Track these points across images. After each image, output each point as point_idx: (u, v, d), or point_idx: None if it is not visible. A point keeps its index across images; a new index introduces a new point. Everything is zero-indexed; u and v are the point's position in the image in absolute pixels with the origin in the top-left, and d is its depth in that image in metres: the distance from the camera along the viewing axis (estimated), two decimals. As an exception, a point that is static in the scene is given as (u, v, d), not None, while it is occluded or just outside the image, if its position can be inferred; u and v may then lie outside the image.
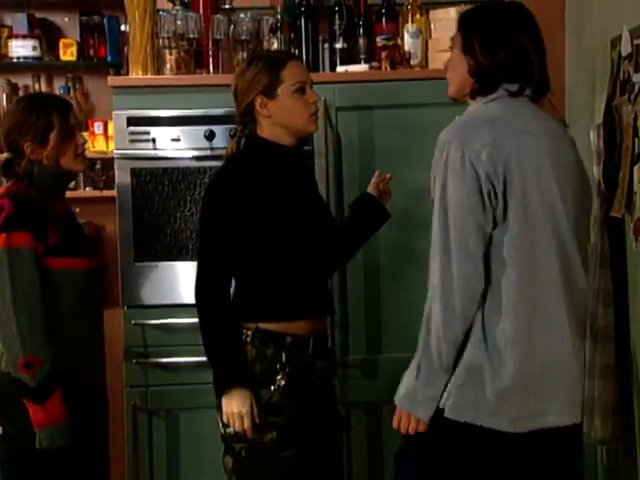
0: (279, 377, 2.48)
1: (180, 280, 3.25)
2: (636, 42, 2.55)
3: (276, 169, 2.54)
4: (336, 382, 2.77)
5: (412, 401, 2.20)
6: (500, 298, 2.18)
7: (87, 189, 3.72)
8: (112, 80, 3.26)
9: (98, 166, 3.70)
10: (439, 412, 2.19)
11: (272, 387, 2.48)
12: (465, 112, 2.30)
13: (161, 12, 3.33)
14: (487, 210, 2.14)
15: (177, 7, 3.47)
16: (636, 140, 2.55)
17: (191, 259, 3.21)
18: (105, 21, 3.69)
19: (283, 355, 2.49)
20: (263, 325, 2.49)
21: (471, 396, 2.17)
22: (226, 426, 2.50)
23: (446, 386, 2.18)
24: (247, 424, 2.45)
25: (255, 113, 2.54)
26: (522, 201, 2.15)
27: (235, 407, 2.44)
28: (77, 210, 3.61)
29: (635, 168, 2.58)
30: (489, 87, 2.26)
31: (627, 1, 2.77)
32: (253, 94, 2.51)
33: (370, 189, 2.74)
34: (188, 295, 3.14)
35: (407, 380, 2.22)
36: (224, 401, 2.46)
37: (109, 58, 3.68)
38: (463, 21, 2.35)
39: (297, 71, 2.55)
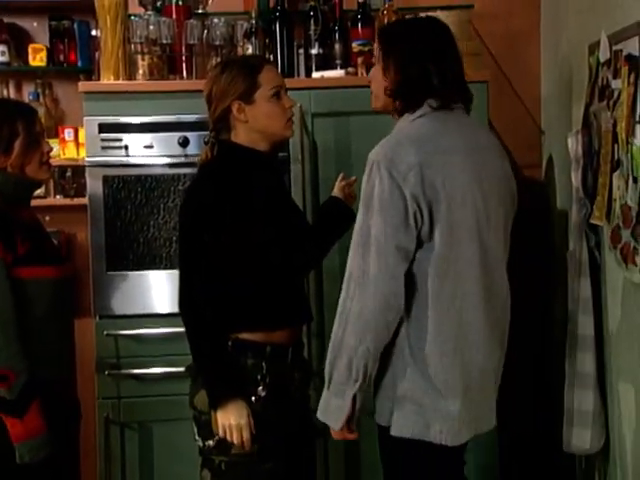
0: (260, 388, 2.45)
1: (153, 289, 3.21)
2: (614, 48, 2.55)
3: (251, 175, 2.51)
4: (311, 392, 2.73)
5: (325, 411, 2.24)
6: (426, 313, 2.20)
7: (57, 197, 3.66)
8: (83, 86, 3.21)
9: (69, 174, 3.64)
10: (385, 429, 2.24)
11: (253, 398, 2.45)
12: (394, 129, 2.33)
13: (133, 17, 3.29)
14: (411, 231, 2.17)
15: (149, 12, 3.43)
16: (616, 146, 2.54)
17: (165, 268, 3.19)
18: (75, 26, 3.62)
19: (263, 365, 2.46)
20: (243, 335, 2.47)
21: (410, 413, 2.21)
22: (206, 438, 2.46)
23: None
24: (246, 436, 2.41)
25: (231, 119, 2.51)
26: (447, 220, 2.19)
27: (233, 419, 2.40)
28: (47, 218, 3.60)
29: (615, 175, 2.57)
30: (411, 104, 2.29)
31: (604, 7, 2.77)
32: (230, 99, 2.48)
33: (336, 192, 2.74)
34: (162, 305, 3.19)
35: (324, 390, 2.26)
36: (220, 414, 2.41)
37: (79, 63, 3.62)
38: (380, 37, 2.39)
39: (273, 75, 2.54)
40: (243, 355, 2.45)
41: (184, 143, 3.15)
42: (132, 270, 3.19)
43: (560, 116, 3.41)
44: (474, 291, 2.22)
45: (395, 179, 2.16)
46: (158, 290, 3.20)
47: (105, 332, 3.20)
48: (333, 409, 2.22)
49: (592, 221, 2.72)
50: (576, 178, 2.89)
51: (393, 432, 2.24)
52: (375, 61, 2.44)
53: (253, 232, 2.46)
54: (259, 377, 2.45)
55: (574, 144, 2.93)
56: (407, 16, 3.20)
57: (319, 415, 2.27)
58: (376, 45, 2.45)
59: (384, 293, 2.15)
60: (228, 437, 2.41)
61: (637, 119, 2.36)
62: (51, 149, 2.66)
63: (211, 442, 2.45)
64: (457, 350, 2.21)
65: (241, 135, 2.52)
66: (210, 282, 2.46)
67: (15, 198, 2.54)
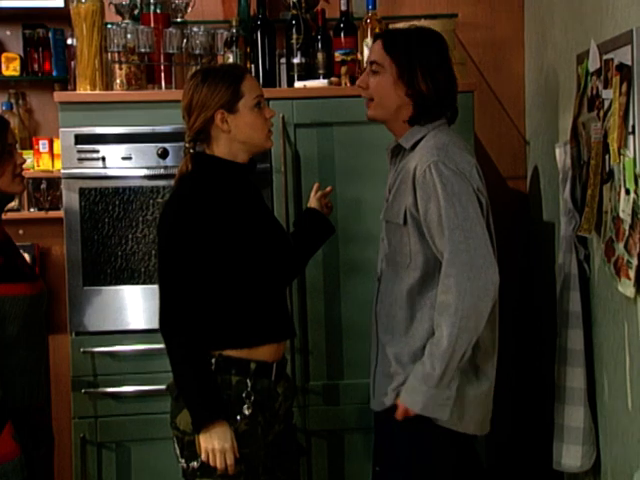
0: (245, 406, 2.41)
1: (132, 305, 3.14)
2: (605, 57, 2.51)
3: (231, 189, 2.48)
4: (294, 408, 2.68)
5: (433, 405, 2.34)
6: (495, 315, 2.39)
7: (31, 210, 3.57)
8: (59, 96, 3.14)
9: (43, 186, 3.56)
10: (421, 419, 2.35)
11: (238, 417, 2.41)
12: (426, 138, 2.41)
13: (110, 25, 3.23)
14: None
15: (126, 20, 3.38)
16: (606, 157, 2.51)
17: (144, 283, 3.13)
18: (50, 34, 3.55)
19: (248, 382, 2.42)
20: (227, 352, 2.43)
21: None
22: (189, 459, 2.40)
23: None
24: (230, 460, 2.36)
25: (212, 129, 2.46)
26: (491, 222, 2.38)
27: (217, 443, 2.35)
28: (20, 232, 3.55)
29: (605, 187, 2.54)
30: (432, 115, 2.42)
31: (593, 17, 2.74)
32: (213, 109, 2.44)
33: (312, 204, 2.76)
34: (140, 321, 3.12)
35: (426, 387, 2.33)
36: (203, 437, 2.35)
37: (54, 73, 3.55)
38: (393, 46, 2.43)
39: (254, 85, 2.52)
40: (227, 372, 2.41)
41: (163, 154, 3.10)
42: (109, 285, 3.12)
43: (545, 126, 3.38)
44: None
45: (464, 174, 2.31)
46: (136, 306, 3.13)
47: (81, 349, 3.11)
48: (443, 401, 2.33)
49: (580, 233, 2.68)
50: (565, 190, 2.85)
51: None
52: (375, 67, 2.45)
53: (233, 246, 2.42)
54: (244, 395, 2.42)
55: (562, 155, 2.89)
56: (391, 25, 3.20)
57: (422, 411, 2.35)
58: (377, 51, 2.46)
59: (494, 282, 2.29)
60: (211, 462, 2.35)
61: (629, 130, 2.32)
62: (24, 161, 2.60)
63: (195, 463, 2.39)
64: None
65: (222, 146, 2.48)
66: (192, 298, 2.41)
67: None
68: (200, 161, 2.49)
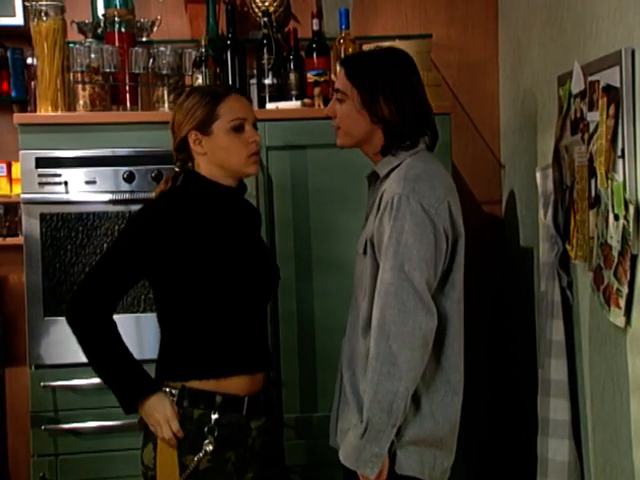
0: (206, 442, 2.32)
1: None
2: (590, 79, 2.47)
3: (209, 209, 2.40)
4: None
5: (358, 459, 2.22)
6: (442, 351, 2.28)
7: (-12, 236, 3.44)
8: (18, 117, 3.05)
9: (1, 211, 3.44)
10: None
11: (200, 453, 2.31)
12: (400, 167, 2.32)
13: (73, 44, 3.15)
14: (437, 268, 2.24)
15: (89, 39, 3.29)
16: (592, 182, 2.46)
17: (142, 311, 3.04)
18: (8, 54, 3.44)
19: (212, 416, 2.33)
20: (190, 383, 2.34)
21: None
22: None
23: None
24: (175, 426, 2.31)
25: (190, 150, 2.42)
26: (461, 260, 2.30)
27: (157, 414, 2.31)
28: (-24, 260, 3.41)
29: (591, 212, 2.49)
30: (402, 142, 2.34)
31: (574, 36, 2.70)
32: (187, 129, 2.39)
33: None
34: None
35: (353, 436, 2.23)
36: (144, 412, 2.33)
37: (13, 94, 3.44)
38: (354, 72, 2.36)
39: (237, 107, 2.41)
40: (191, 405, 2.33)
41: (129, 178, 3.02)
42: (72, 316, 2.98)
43: (523, 150, 3.34)
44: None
45: (427, 212, 2.20)
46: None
47: (42, 383, 2.99)
48: (369, 457, 2.21)
49: (575, 261, 2.62)
50: (546, 215, 2.80)
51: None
52: (340, 96, 2.39)
53: (199, 267, 2.35)
54: (206, 430, 2.32)
55: (543, 179, 2.84)
56: (365, 46, 3.14)
57: (349, 464, 2.25)
58: (340, 79, 2.39)
59: (424, 329, 2.19)
60: (159, 434, 2.31)
61: (618, 153, 2.28)
62: None
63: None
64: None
65: (202, 167, 2.43)
66: (161, 327, 2.37)
67: None
68: (185, 178, 2.44)
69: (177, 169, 2.45)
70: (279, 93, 3.23)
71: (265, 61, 3.21)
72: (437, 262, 2.24)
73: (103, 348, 2.33)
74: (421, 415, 2.28)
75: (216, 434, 2.32)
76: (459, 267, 2.31)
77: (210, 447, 2.31)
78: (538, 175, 2.89)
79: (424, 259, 2.20)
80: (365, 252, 2.34)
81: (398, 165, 2.35)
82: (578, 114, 2.57)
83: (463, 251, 2.32)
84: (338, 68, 2.56)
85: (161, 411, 2.31)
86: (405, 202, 2.20)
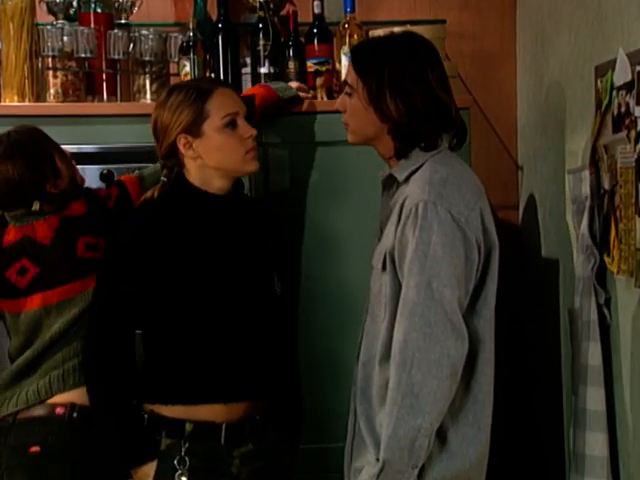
0: (178, 473, 2.24)
1: None
2: (637, 69, 2.28)
3: (189, 221, 2.33)
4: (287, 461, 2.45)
5: None
6: (474, 377, 2.14)
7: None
8: None
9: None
10: None
11: None
12: (422, 169, 2.18)
13: (43, 25, 2.97)
14: (467, 284, 2.12)
15: (61, 21, 3.09)
16: (639, 185, 2.28)
17: None
18: None
19: (182, 447, 2.24)
20: (158, 408, 2.27)
21: None
22: None
23: None
24: None
25: (179, 155, 2.32)
26: (495, 274, 2.18)
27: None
28: None
29: (638, 220, 2.30)
30: (413, 145, 2.21)
31: (616, 21, 2.52)
32: (175, 133, 2.30)
33: None
34: None
35: (367, 477, 2.10)
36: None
37: None
38: (361, 62, 2.24)
39: (226, 101, 2.31)
40: (158, 433, 2.25)
41: (108, 177, 2.85)
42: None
43: (545, 150, 3.17)
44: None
45: (457, 221, 2.05)
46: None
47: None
48: None
49: (617, 276, 2.44)
50: (580, 223, 2.61)
51: None
52: (348, 89, 2.26)
53: (169, 280, 2.29)
54: (176, 461, 2.24)
55: (576, 183, 2.66)
56: (372, 32, 2.98)
57: None
58: (348, 69, 2.27)
59: (452, 356, 2.03)
60: None
61: (675, 153, 2.10)
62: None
63: None
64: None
65: (193, 173, 2.35)
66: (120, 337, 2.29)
67: None
68: (171, 187, 2.36)
69: (164, 178, 2.36)
70: (276, 83, 3.06)
71: (261, 47, 3.05)
72: (468, 277, 2.11)
73: (113, 408, 2.27)
74: (448, 452, 2.13)
75: (188, 465, 2.23)
76: (492, 281, 2.18)
77: (183, 479, 2.24)
78: (569, 178, 2.72)
79: (454, 274, 2.06)
80: (384, 268, 2.16)
81: (419, 168, 2.20)
82: (622, 109, 2.40)
83: (497, 263, 2.19)
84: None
85: None
86: (432, 210, 2.07)
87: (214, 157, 2.29)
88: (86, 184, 2.83)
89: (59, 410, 2.30)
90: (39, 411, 2.32)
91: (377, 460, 2.08)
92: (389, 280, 2.16)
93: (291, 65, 3.05)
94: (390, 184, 2.32)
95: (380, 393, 2.15)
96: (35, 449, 2.26)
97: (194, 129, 2.27)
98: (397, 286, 2.14)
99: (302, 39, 3.10)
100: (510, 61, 3.50)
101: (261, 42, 3.06)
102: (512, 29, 3.48)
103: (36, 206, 2.39)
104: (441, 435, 2.11)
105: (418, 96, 2.16)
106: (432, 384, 2.02)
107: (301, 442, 2.52)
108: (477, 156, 3.42)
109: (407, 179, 2.21)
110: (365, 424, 2.18)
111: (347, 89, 2.25)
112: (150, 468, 2.26)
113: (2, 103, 2.90)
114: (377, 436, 2.13)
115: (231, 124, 2.28)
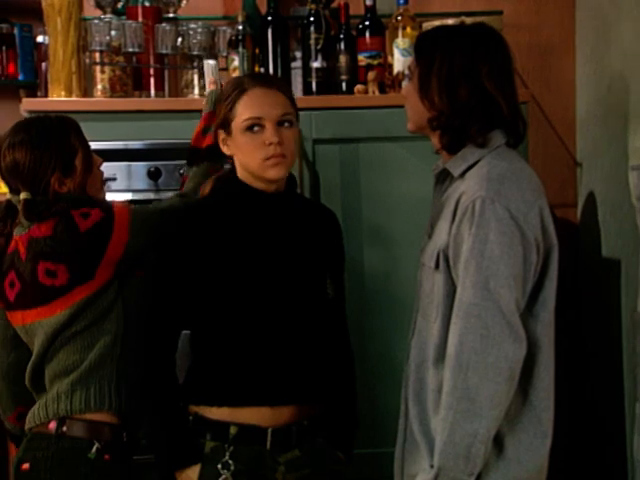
0: (222, 478, 2.23)
1: None
2: None
3: (242, 216, 2.32)
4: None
5: None
6: (531, 383, 2.10)
7: (-8, 239, 3.28)
8: (27, 104, 2.91)
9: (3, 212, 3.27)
10: None
11: None
12: (480, 164, 2.15)
13: (90, 19, 2.98)
14: (526, 285, 2.08)
15: (109, 15, 3.11)
16: None
17: None
18: (16, 31, 3.33)
19: (227, 450, 2.23)
20: (202, 410, 2.27)
21: None
22: None
23: None
24: None
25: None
26: (554, 275, 2.12)
27: None
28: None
29: None
30: (459, 139, 2.18)
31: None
32: (215, 126, 2.35)
33: None
34: None
35: None
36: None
37: (21, 77, 3.33)
38: (419, 48, 2.23)
39: (255, 103, 2.27)
40: (202, 436, 2.24)
41: (154, 175, 2.87)
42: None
43: (606, 145, 3.11)
44: None
45: (516, 218, 2.02)
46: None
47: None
48: None
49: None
50: (646, 223, 2.56)
51: None
52: (409, 73, 2.27)
53: (211, 277, 2.28)
54: (220, 465, 2.22)
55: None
56: (426, 24, 2.95)
57: None
58: (413, 58, 2.25)
59: (510, 359, 2.01)
60: None
61: None
62: (102, 161, 2.48)
63: None
64: None
65: (237, 169, 2.35)
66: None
67: None
68: (222, 181, 2.38)
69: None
70: (327, 78, 3.05)
71: (312, 41, 3.02)
72: (526, 278, 2.06)
73: (160, 410, 2.27)
74: (505, 460, 2.09)
75: (232, 469, 2.22)
76: (551, 283, 2.12)
77: None
78: (632, 175, 2.66)
79: (512, 275, 2.02)
80: (437, 266, 2.14)
81: (475, 163, 2.16)
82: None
83: (557, 264, 2.14)
84: (402, 42, 2.64)
85: None
86: (489, 206, 2.03)
87: (238, 157, 2.30)
88: (133, 181, 2.88)
89: (51, 425, 2.25)
90: (37, 427, 2.29)
91: (431, 466, 2.05)
92: (442, 279, 2.13)
93: (342, 59, 3.03)
94: (443, 179, 2.28)
95: (434, 397, 2.12)
96: (25, 466, 2.24)
97: (226, 126, 2.28)
98: (451, 285, 2.11)
99: (353, 32, 3.08)
100: (569, 52, 3.45)
101: (312, 35, 3.04)
102: (571, 19, 3.43)
103: (20, 206, 2.31)
104: (497, 442, 2.08)
105: (464, 90, 2.12)
106: (489, 388, 1.99)
107: (353, 450, 2.49)
108: (534, 152, 3.39)
109: (463, 174, 2.17)
110: (419, 428, 2.15)
111: (408, 73, 2.26)
112: (194, 472, 2.25)
113: (49, 98, 2.92)
114: (431, 441, 2.10)
115: (253, 128, 2.25)
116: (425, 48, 2.20)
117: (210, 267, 2.27)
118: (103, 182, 2.50)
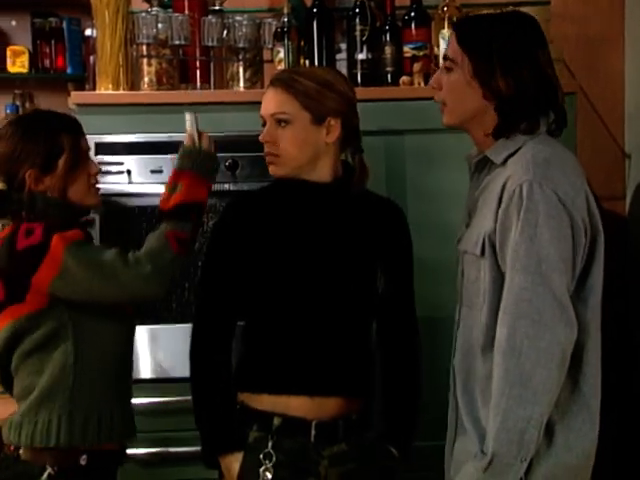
0: (263, 468, 2.23)
1: (169, 348, 2.94)
2: None
3: (291, 207, 2.33)
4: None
5: None
6: (580, 370, 2.08)
7: (40, 231, 3.34)
8: (76, 97, 2.96)
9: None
10: None
11: None
12: (522, 150, 2.13)
13: (138, 12, 3.02)
14: (574, 269, 2.04)
15: (155, 8, 3.14)
16: None
17: (175, 322, 2.92)
18: (64, 24, 3.47)
19: (269, 441, 2.24)
20: (249, 399, 2.29)
21: None
22: None
23: None
24: None
25: None
26: (601, 260, 2.08)
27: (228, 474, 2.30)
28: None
29: None
30: (520, 123, 2.14)
31: None
32: None
33: None
34: (177, 368, 2.85)
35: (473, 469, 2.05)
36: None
37: (69, 70, 3.47)
38: (467, 36, 2.19)
39: (264, 102, 2.31)
40: (247, 425, 2.27)
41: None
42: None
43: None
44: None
45: (564, 202, 2.01)
46: (175, 350, 2.88)
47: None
48: None
49: None
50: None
51: None
52: (448, 64, 2.21)
53: (255, 272, 2.30)
54: (262, 455, 2.24)
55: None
56: (472, 14, 2.93)
57: None
58: (451, 44, 2.21)
59: (562, 344, 1.99)
60: None
61: None
62: (99, 170, 2.41)
63: None
64: None
65: None
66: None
67: (60, 227, 2.25)
68: None
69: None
70: (372, 70, 3.06)
71: (358, 32, 3.04)
72: (575, 262, 2.05)
73: (208, 396, 2.29)
74: (556, 447, 2.08)
75: (274, 460, 2.23)
76: (599, 269, 2.10)
77: (268, 475, 2.23)
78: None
79: (562, 258, 2.00)
80: (483, 253, 2.14)
81: (517, 150, 2.15)
82: None
83: (603, 251, 2.11)
84: (448, 33, 2.47)
85: (228, 475, 2.29)
86: (538, 190, 2.01)
87: None
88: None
89: (12, 447, 2.24)
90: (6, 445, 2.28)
91: (482, 452, 2.05)
92: (488, 265, 2.12)
93: (388, 50, 3.04)
94: (482, 167, 2.28)
95: (483, 384, 2.12)
96: None
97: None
98: (497, 272, 2.10)
99: (399, 23, 3.09)
100: (617, 44, 3.46)
101: (358, 27, 3.05)
102: (620, 10, 3.44)
103: None
104: (548, 428, 2.07)
105: (527, 72, 2.12)
106: (542, 373, 1.99)
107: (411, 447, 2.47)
108: (582, 144, 3.38)
109: (504, 162, 2.16)
110: (468, 417, 2.15)
111: (447, 64, 2.21)
112: (237, 459, 2.27)
113: (97, 91, 2.96)
114: (481, 429, 2.10)
115: (264, 125, 2.29)
116: (475, 35, 2.17)
117: (259, 255, 2.30)
118: (95, 190, 2.38)
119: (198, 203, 2.30)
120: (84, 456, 2.22)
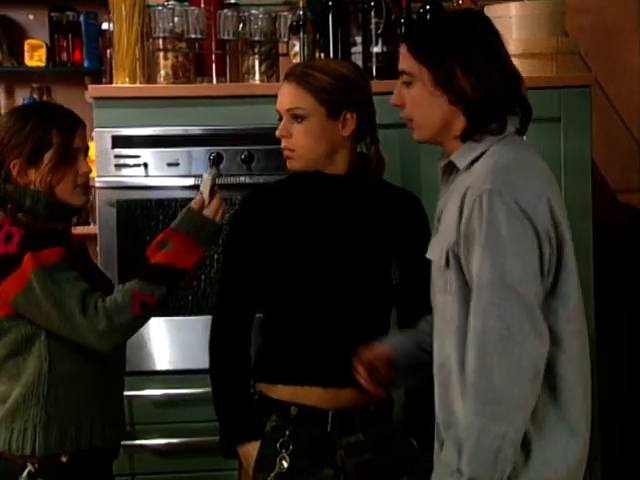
0: (280, 456, 2.26)
1: (182, 340, 2.95)
2: None
3: (307, 199, 2.36)
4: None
5: None
6: (555, 383, 2.03)
7: (57, 224, 3.37)
8: (93, 90, 2.98)
9: (71, 196, 3.37)
10: None
11: (273, 472, 2.27)
12: (486, 155, 2.05)
13: (154, 6, 3.04)
14: (543, 279, 1.99)
15: (172, 1, 3.17)
16: None
17: (192, 314, 2.94)
18: (81, 18, 3.49)
19: (286, 430, 2.27)
20: (265, 388, 2.33)
21: None
22: None
23: None
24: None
25: None
26: (572, 267, 2.03)
27: (246, 462, 2.34)
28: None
29: None
30: (489, 124, 2.05)
31: None
32: None
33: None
34: (193, 360, 2.89)
35: None
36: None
37: (86, 63, 3.50)
38: (419, 45, 2.09)
39: (279, 96, 2.33)
40: (265, 414, 2.31)
41: (217, 160, 2.90)
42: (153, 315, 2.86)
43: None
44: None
45: (525, 211, 1.94)
46: (186, 342, 2.92)
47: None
48: None
49: None
50: None
51: None
52: (406, 78, 2.11)
53: (274, 264, 2.34)
54: (278, 445, 2.26)
55: None
56: (487, 8, 2.97)
57: None
58: (404, 57, 2.12)
59: (533, 358, 1.94)
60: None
61: None
62: (89, 171, 2.38)
63: None
64: None
65: None
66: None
67: (40, 239, 2.23)
68: None
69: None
70: (387, 63, 3.06)
71: (373, 26, 3.05)
72: (543, 272, 1.99)
73: (226, 387, 2.33)
74: (533, 461, 2.02)
75: (291, 449, 2.26)
76: (570, 277, 2.04)
77: (285, 464, 2.26)
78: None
79: (529, 269, 1.95)
80: (447, 264, 2.07)
81: (482, 154, 2.07)
82: None
83: (573, 258, 2.04)
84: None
85: (246, 464, 2.33)
86: (498, 200, 1.94)
87: None
88: (194, 166, 2.91)
89: None
90: None
91: (459, 471, 1.99)
92: (454, 276, 2.05)
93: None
94: (449, 171, 2.18)
95: (461, 399, 2.05)
96: None
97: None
98: (463, 282, 2.04)
99: (414, 17, 3.09)
100: (633, 36, 3.47)
101: (373, 20, 3.06)
102: (635, 1, 3.45)
103: None
104: (524, 444, 2.01)
105: (492, 70, 2.04)
106: (514, 389, 1.94)
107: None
108: (595, 136, 3.37)
109: (469, 167, 2.08)
110: (447, 433, 2.08)
111: (405, 78, 2.11)
112: (254, 448, 2.30)
113: (114, 85, 2.98)
114: (460, 445, 2.03)
115: (281, 119, 2.31)
116: (426, 43, 2.09)
117: (277, 247, 2.32)
118: (81, 190, 2.33)
119: (181, 269, 2.22)
120: (65, 454, 2.21)
